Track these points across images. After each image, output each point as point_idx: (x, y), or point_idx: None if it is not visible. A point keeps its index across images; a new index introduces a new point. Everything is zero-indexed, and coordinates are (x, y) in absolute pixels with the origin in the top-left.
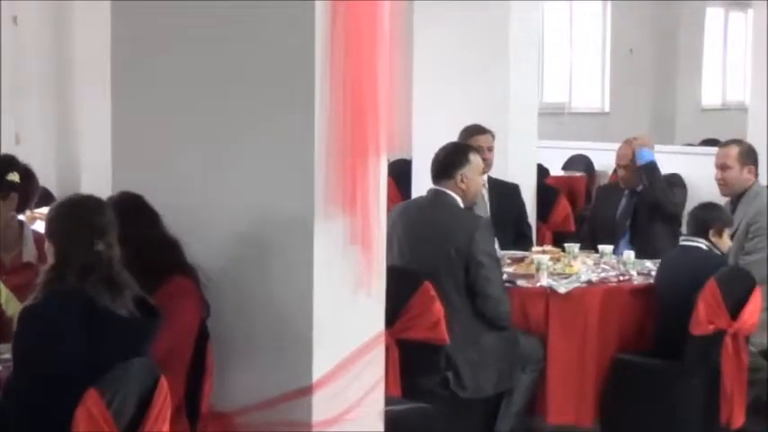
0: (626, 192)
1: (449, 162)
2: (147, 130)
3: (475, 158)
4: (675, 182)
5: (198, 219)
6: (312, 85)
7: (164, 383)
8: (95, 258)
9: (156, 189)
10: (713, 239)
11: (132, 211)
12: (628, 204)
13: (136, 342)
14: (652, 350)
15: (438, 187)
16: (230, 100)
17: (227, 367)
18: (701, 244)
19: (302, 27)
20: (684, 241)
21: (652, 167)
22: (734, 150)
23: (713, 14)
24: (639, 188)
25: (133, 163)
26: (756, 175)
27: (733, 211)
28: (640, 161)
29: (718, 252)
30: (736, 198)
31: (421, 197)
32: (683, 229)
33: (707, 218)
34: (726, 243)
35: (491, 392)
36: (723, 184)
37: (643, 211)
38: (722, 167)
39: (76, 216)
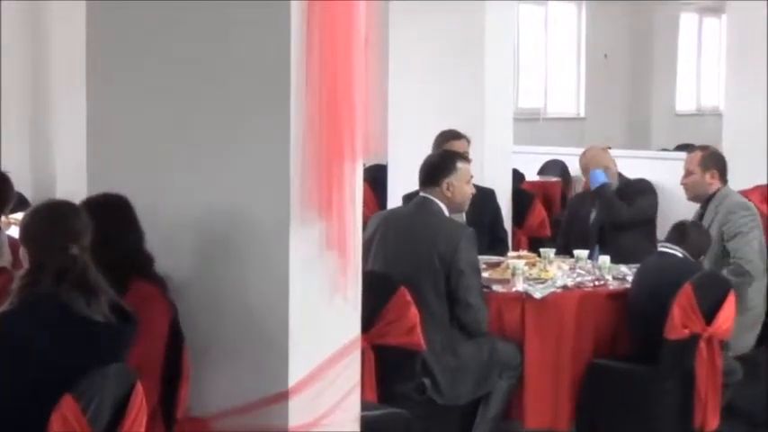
0: (596, 201)
1: (435, 169)
2: (123, 135)
3: (462, 166)
4: (641, 189)
5: (173, 223)
6: (287, 88)
7: (139, 389)
8: (70, 262)
9: (132, 193)
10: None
11: (111, 212)
12: (599, 212)
13: (112, 347)
14: (628, 355)
15: (425, 194)
16: (205, 103)
17: (203, 372)
18: (677, 251)
19: (278, 29)
20: (662, 247)
21: (602, 191)
22: (697, 156)
23: (687, 20)
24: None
25: (109, 168)
26: (722, 179)
27: (701, 216)
28: (593, 184)
29: (693, 258)
30: (705, 203)
31: (406, 206)
32: (659, 233)
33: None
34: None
35: (469, 399)
36: (686, 189)
37: (607, 218)
38: (686, 172)
39: (50, 220)
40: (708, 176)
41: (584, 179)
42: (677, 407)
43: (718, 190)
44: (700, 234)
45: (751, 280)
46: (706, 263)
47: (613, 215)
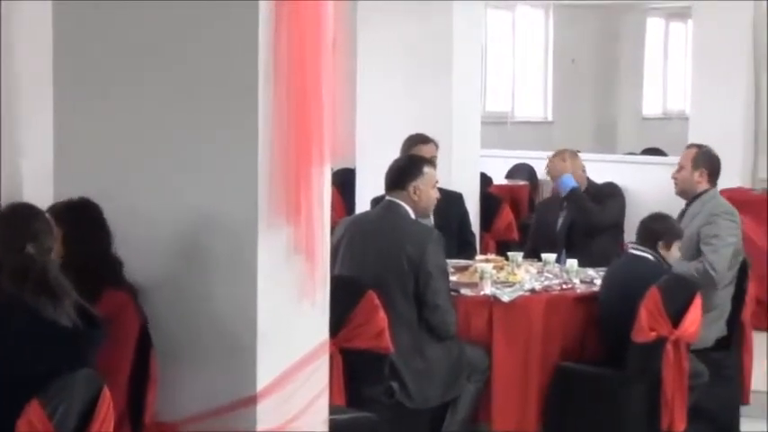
0: (564, 205)
1: (402, 173)
2: (91, 139)
3: (428, 171)
4: (611, 192)
5: (141, 228)
6: (255, 92)
7: (106, 394)
8: (27, 261)
9: (99, 198)
10: (662, 251)
11: (79, 217)
12: (567, 216)
13: (79, 352)
14: (596, 358)
15: (391, 198)
16: (172, 106)
17: (171, 377)
18: (649, 255)
19: (245, 32)
20: (633, 249)
21: (574, 196)
22: (691, 152)
23: (654, 25)
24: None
25: (76, 172)
26: (710, 181)
27: (683, 213)
28: (563, 191)
29: (666, 264)
30: (690, 201)
31: (373, 209)
32: (626, 236)
33: (657, 229)
34: (674, 255)
35: (437, 402)
36: (675, 183)
37: (578, 223)
38: (679, 167)
39: (8, 221)
40: (696, 174)
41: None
42: (644, 409)
43: (707, 191)
44: (664, 222)
45: (713, 287)
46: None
47: (586, 218)
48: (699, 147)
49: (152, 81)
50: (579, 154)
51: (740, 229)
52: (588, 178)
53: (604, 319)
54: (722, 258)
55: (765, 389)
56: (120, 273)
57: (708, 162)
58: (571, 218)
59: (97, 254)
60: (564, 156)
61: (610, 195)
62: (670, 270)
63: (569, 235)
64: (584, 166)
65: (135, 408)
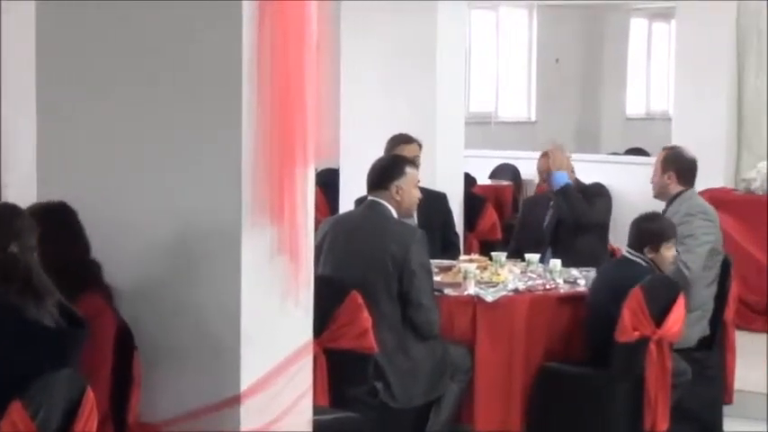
0: (552, 202)
1: (384, 173)
2: (72, 141)
3: (411, 171)
4: (598, 192)
5: (125, 229)
6: (239, 92)
7: (90, 395)
8: (10, 260)
9: (81, 198)
10: (650, 256)
11: (56, 221)
12: (554, 215)
13: (62, 352)
14: (581, 358)
15: (374, 198)
16: (156, 107)
17: (155, 378)
18: (641, 260)
19: (229, 32)
20: (628, 254)
21: (567, 191)
22: (660, 155)
23: (637, 25)
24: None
25: (60, 174)
26: (682, 182)
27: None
28: (556, 186)
29: (658, 269)
30: (669, 202)
31: (356, 209)
32: (611, 237)
33: (643, 233)
34: (666, 257)
35: (421, 402)
36: (652, 187)
37: (566, 221)
38: (654, 171)
39: None
40: (665, 177)
41: (537, 181)
42: (627, 409)
43: (684, 191)
44: (653, 222)
45: (688, 286)
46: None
47: (575, 215)
48: (667, 149)
49: (135, 81)
50: None
51: (717, 229)
52: (576, 178)
53: (592, 321)
54: (696, 257)
55: (765, 390)
56: (98, 275)
57: (676, 163)
58: (559, 215)
59: (74, 257)
60: (562, 151)
61: (598, 195)
62: (653, 270)
63: (556, 233)
64: (573, 167)
65: (118, 409)
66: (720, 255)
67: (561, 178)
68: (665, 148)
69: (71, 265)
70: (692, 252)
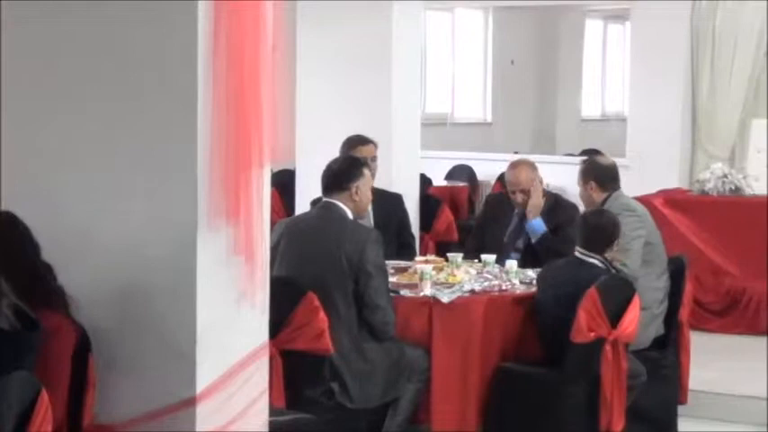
0: (517, 211)
1: (344, 174)
2: (26, 146)
3: (366, 172)
4: (572, 215)
5: (79, 232)
6: (195, 93)
7: (45, 397)
8: None
9: (36, 202)
10: (607, 255)
11: (5, 232)
12: (519, 225)
13: (15, 354)
14: (535, 359)
15: (329, 199)
16: (110, 109)
17: (111, 380)
18: (596, 260)
19: (184, 33)
20: (579, 254)
21: (545, 241)
22: (578, 170)
23: (592, 27)
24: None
25: (18, 176)
26: (603, 188)
27: None
28: (533, 236)
29: (613, 267)
30: None
31: (310, 211)
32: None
33: (598, 231)
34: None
35: (378, 403)
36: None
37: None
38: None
39: None
40: (588, 188)
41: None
42: (583, 409)
43: (609, 196)
44: (601, 217)
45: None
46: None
47: (560, 255)
48: (581, 162)
49: (89, 83)
50: (516, 155)
51: (647, 222)
52: (547, 191)
53: (545, 322)
54: (632, 254)
55: (720, 391)
56: (49, 279)
57: (594, 172)
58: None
59: (25, 269)
60: (530, 166)
61: (571, 220)
62: (609, 271)
63: (528, 246)
64: (542, 178)
65: (74, 411)
66: (659, 247)
67: (538, 228)
68: (582, 161)
69: (24, 278)
70: (626, 249)
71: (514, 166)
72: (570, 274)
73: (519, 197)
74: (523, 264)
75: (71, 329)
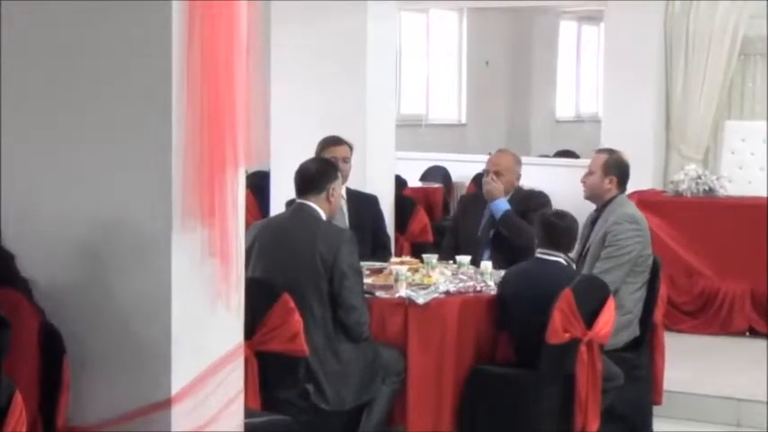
0: (489, 204)
1: (320, 176)
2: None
3: (338, 174)
4: (543, 201)
5: (54, 231)
6: (169, 94)
7: (18, 398)
8: None
9: (8, 200)
10: (567, 254)
11: None
12: (491, 220)
13: None
14: (509, 360)
15: (303, 201)
16: (85, 108)
17: (84, 381)
18: (560, 258)
19: (158, 33)
20: (541, 254)
21: (510, 219)
22: (601, 158)
23: (567, 28)
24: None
25: None
26: (620, 187)
27: (596, 220)
28: (497, 214)
29: (574, 265)
30: (602, 207)
31: (284, 212)
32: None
33: (560, 232)
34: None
35: (352, 404)
36: (584, 187)
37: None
38: (588, 171)
39: None
40: (606, 181)
41: (467, 183)
42: (558, 410)
43: (616, 197)
44: (565, 224)
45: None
46: (586, 267)
47: (523, 241)
48: (610, 152)
49: (63, 82)
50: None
51: (645, 236)
52: (519, 187)
53: (516, 323)
54: (616, 266)
55: (694, 391)
56: (11, 267)
57: (618, 169)
58: (502, 234)
59: None
60: (514, 156)
61: (544, 204)
62: (579, 271)
63: (495, 236)
64: (520, 175)
65: (47, 413)
66: (649, 258)
67: (501, 205)
68: (603, 151)
69: None
70: (612, 258)
71: (500, 150)
72: (537, 272)
73: (490, 177)
74: (492, 254)
75: (31, 309)
